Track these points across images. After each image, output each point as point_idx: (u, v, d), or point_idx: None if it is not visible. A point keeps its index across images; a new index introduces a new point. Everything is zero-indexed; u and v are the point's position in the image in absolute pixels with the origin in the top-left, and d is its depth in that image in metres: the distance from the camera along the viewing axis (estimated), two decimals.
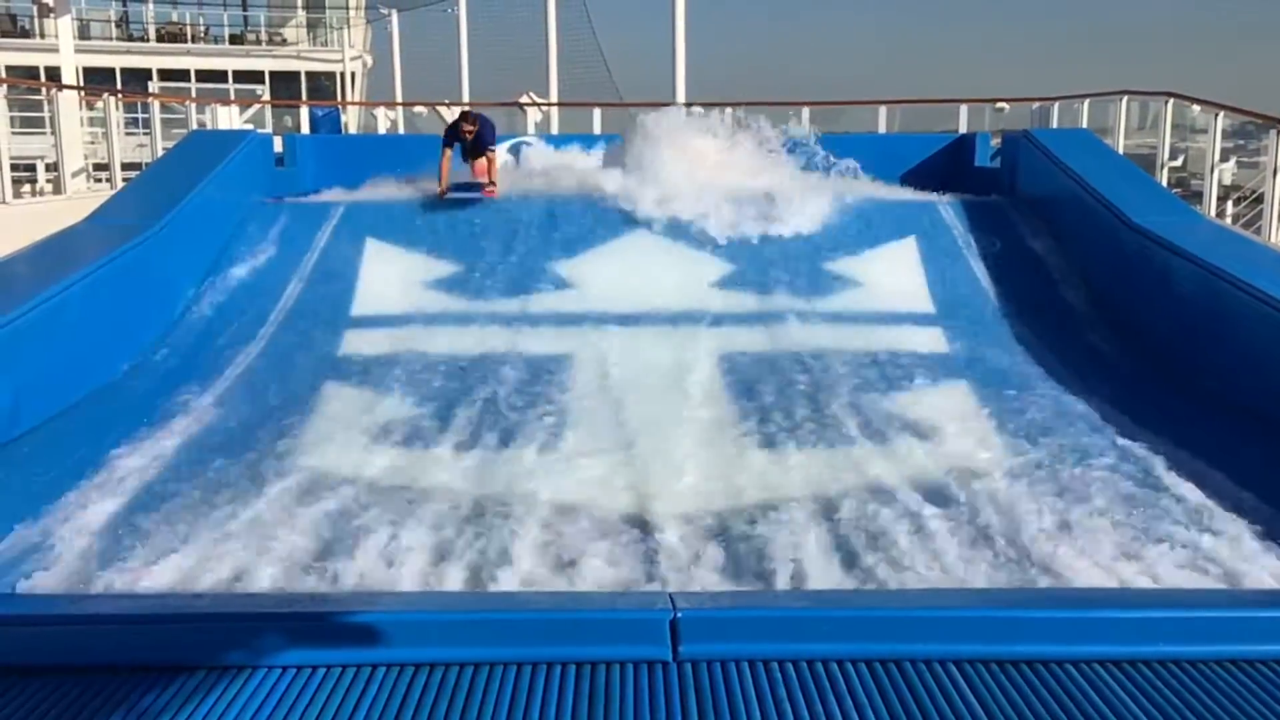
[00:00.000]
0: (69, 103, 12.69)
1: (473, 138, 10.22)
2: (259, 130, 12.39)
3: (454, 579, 4.35)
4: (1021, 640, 3.04)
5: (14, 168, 11.61)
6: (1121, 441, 5.94)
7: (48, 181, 14.42)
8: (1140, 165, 10.65)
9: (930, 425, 6.19)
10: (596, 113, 15.15)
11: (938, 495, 5.21)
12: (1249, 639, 3.08)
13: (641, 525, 4.88)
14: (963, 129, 13.73)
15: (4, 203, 10.70)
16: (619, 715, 2.72)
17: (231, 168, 9.68)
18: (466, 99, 21.94)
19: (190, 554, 4.53)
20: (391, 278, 8.75)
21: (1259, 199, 10.54)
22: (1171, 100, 11.24)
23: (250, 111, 16.09)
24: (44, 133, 14.38)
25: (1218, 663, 2.98)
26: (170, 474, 5.48)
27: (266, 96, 27.29)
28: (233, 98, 23.29)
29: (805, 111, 14.69)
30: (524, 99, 16.91)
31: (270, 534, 4.74)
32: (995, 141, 11.94)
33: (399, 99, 24.74)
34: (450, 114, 16.67)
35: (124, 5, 31.16)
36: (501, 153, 12.61)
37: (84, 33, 28.29)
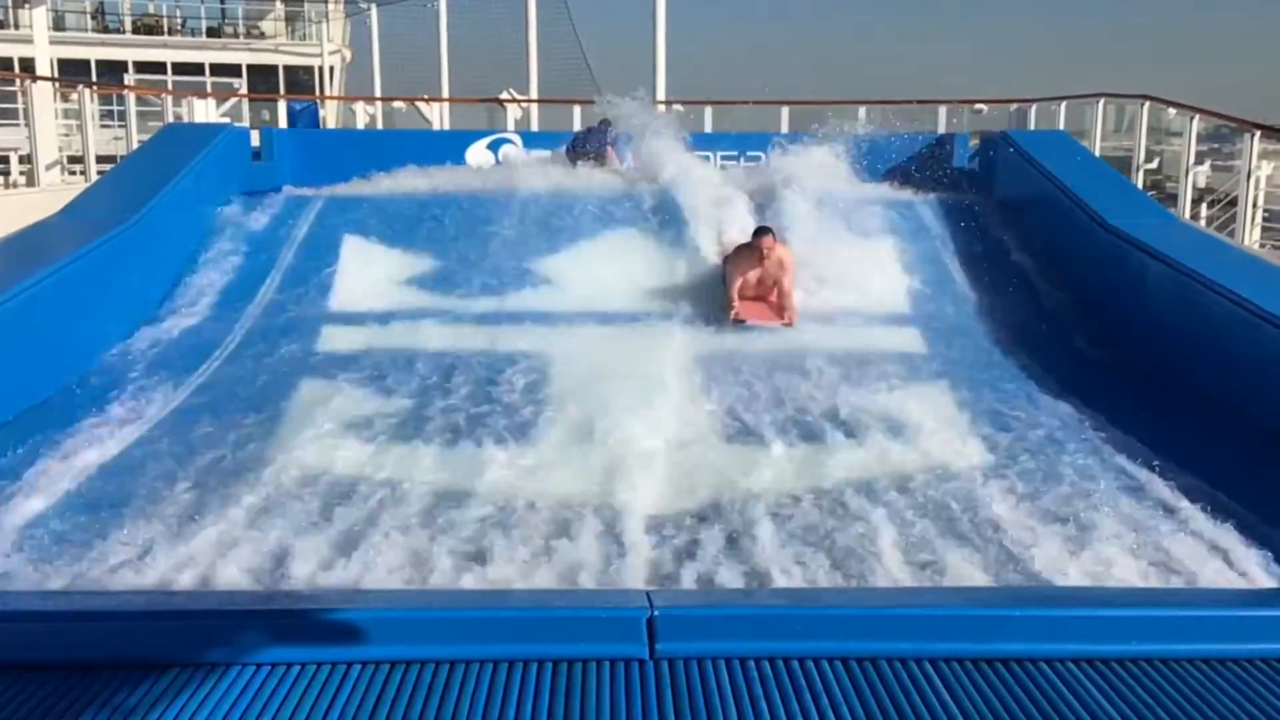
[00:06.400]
0: (43, 94, 12.56)
1: None
2: (236, 124, 12.30)
3: (430, 575, 4.33)
4: (998, 639, 3.06)
5: None
6: (1095, 439, 6.01)
7: (21, 174, 14.25)
8: (1116, 168, 10.73)
9: (906, 424, 6.21)
10: (576, 110, 15.12)
11: (914, 494, 5.24)
12: (1224, 638, 3.11)
13: (618, 523, 4.87)
14: (941, 130, 13.78)
15: None
16: (596, 713, 2.72)
17: (208, 162, 9.61)
18: (446, 94, 21.80)
19: (160, 551, 4.50)
20: (369, 274, 8.71)
21: (1232, 202, 10.65)
22: (1148, 103, 11.32)
23: (227, 105, 15.95)
24: (18, 124, 14.22)
25: (1191, 661, 3.01)
26: (140, 468, 5.44)
27: (244, 90, 27.09)
28: (209, 91, 23.07)
29: (784, 111, 14.70)
30: (504, 96, 16.83)
31: (246, 529, 4.71)
32: (974, 143, 12.00)
33: (378, 94, 24.59)
34: (430, 110, 16.45)
35: None
36: (484, 152, 12.57)
37: (59, 24, 27.97)
